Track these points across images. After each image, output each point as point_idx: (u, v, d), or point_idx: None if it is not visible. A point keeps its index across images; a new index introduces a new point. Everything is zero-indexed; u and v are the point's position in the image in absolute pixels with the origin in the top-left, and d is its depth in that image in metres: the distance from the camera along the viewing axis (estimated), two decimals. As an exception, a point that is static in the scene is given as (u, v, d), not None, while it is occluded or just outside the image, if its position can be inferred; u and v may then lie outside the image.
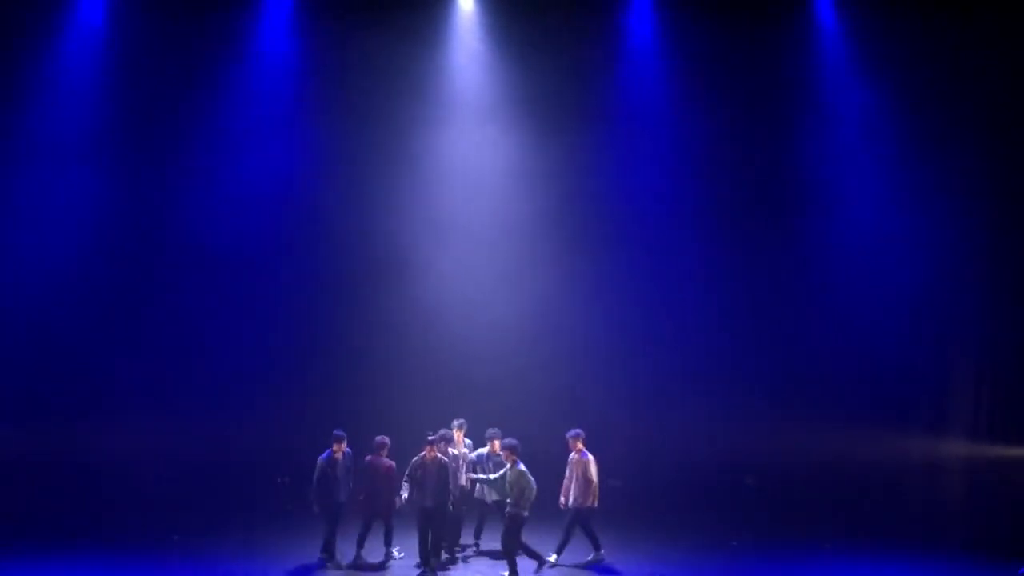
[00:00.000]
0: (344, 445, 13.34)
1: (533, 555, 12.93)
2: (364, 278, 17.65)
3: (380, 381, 17.30)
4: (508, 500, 12.79)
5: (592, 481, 13.38)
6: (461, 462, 13.79)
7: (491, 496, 13.67)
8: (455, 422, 14.04)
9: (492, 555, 13.84)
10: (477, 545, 14.32)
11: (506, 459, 12.82)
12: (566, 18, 17.55)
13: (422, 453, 13.06)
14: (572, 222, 18.09)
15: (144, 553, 13.82)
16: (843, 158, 17.77)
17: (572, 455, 13.55)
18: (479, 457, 13.89)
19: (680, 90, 18.06)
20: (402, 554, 13.62)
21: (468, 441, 14.12)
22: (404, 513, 13.56)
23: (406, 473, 13.21)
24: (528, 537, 13.01)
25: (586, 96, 17.85)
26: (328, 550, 13.34)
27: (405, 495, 13.20)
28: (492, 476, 13.16)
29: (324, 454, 13.30)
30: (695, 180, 17.97)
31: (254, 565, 13.38)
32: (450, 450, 13.58)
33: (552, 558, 13.42)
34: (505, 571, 12.83)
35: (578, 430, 13.72)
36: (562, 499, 13.54)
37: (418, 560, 13.15)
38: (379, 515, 13.36)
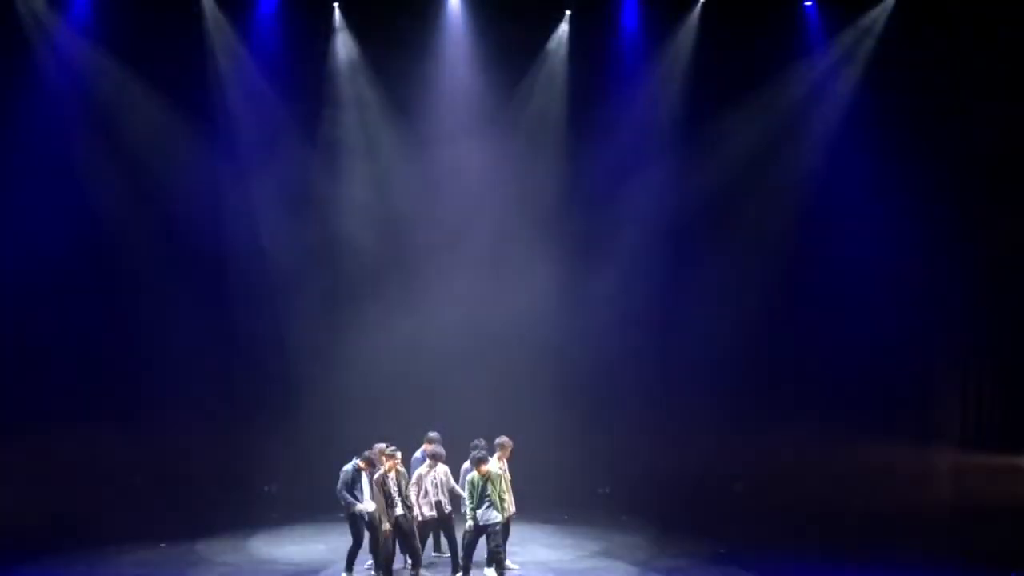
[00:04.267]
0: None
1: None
2: (349, 285, 17.71)
3: (366, 388, 17.28)
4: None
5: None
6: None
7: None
8: (430, 434, 13.77)
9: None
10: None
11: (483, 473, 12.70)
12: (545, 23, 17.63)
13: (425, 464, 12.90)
14: (562, 229, 18.15)
15: (131, 560, 13.80)
16: (832, 163, 17.80)
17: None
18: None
19: (670, 92, 18.15)
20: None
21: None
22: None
23: (412, 482, 13.10)
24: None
25: (573, 101, 17.93)
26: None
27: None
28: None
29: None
30: (683, 184, 18.02)
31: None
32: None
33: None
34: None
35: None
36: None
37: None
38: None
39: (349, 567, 13.03)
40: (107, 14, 16.69)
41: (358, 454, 12.90)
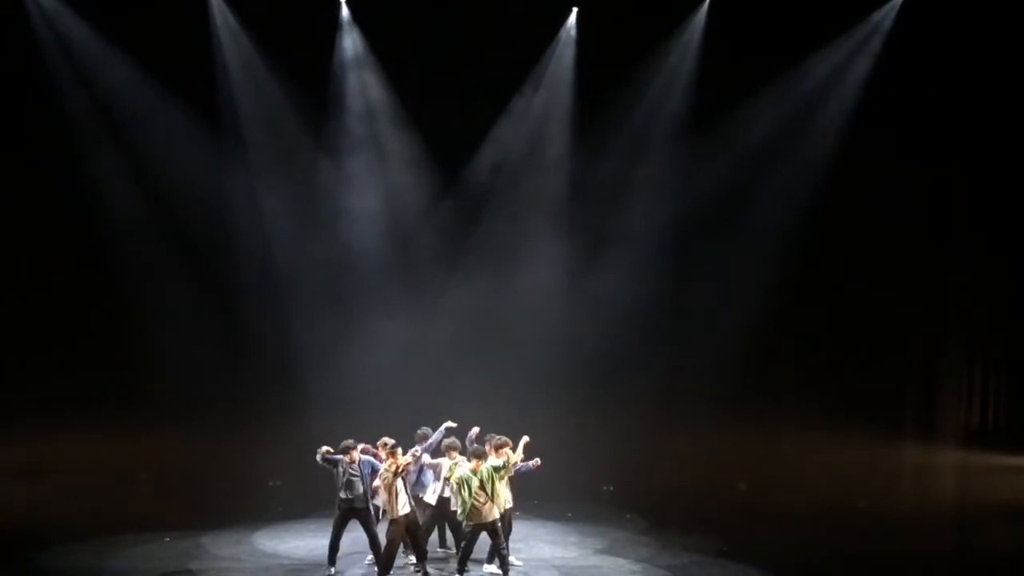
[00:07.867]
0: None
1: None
2: (354, 281, 17.76)
3: (371, 383, 17.25)
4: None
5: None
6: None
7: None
8: (420, 431, 13.64)
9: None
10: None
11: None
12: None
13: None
14: (569, 225, 18.14)
15: (137, 553, 13.89)
16: (841, 158, 17.70)
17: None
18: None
19: (679, 86, 18.10)
20: None
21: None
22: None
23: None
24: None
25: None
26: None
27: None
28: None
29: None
30: (691, 180, 17.96)
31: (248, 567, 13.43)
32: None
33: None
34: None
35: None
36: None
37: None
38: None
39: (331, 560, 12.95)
40: (114, 12, 16.70)
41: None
